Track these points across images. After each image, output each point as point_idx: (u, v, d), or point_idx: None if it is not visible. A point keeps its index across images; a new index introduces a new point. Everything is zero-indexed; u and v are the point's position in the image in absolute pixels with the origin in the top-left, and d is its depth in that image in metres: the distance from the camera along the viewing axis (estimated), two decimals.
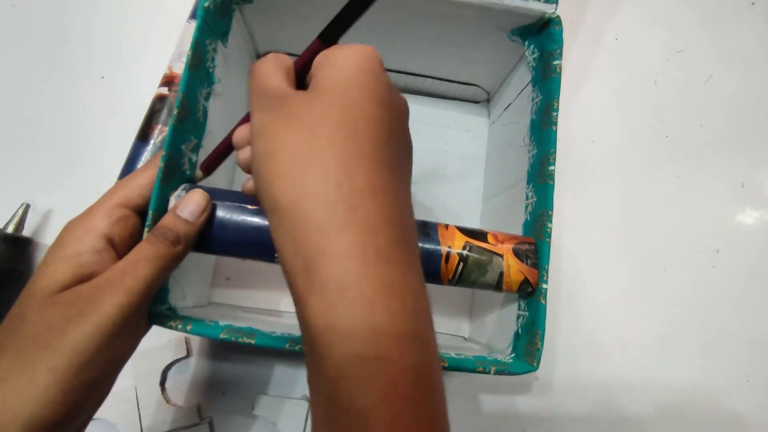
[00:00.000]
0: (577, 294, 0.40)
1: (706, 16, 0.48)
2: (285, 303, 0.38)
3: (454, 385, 0.38)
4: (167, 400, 0.36)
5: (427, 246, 0.27)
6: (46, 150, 0.40)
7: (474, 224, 0.41)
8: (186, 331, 0.26)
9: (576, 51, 0.46)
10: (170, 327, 0.26)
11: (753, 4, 0.49)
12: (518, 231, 0.32)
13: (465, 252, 0.27)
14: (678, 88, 0.46)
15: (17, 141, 0.40)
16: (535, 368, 0.27)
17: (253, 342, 0.25)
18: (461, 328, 0.39)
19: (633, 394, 0.39)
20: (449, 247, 0.27)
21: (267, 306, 0.38)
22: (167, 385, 0.36)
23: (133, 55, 0.42)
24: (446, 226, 0.28)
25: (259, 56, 0.40)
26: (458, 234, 0.28)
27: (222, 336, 0.26)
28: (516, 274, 0.27)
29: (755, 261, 0.42)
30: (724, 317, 0.41)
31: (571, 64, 0.46)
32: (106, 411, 0.35)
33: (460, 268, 0.27)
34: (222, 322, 0.27)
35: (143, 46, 0.42)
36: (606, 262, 0.41)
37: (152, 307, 0.26)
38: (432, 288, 0.38)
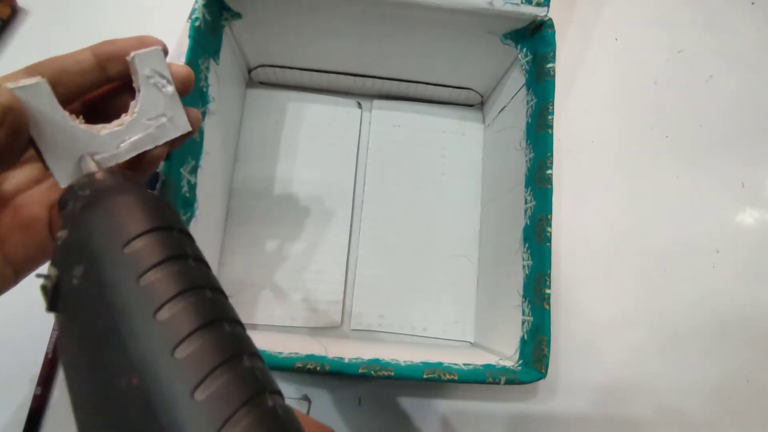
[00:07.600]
0: (578, 295, 0.40)
1: (706, 16, 0.48)
2: (290, 318, 0.37)
3: (456, 385, 0.38)
4: None
5: None
6: None
7: (473, 228, 0.40)
8: None
9: (576, 51, 0.46)
10: None
11: (753, 4, 0.49)
12: (518, 234, 0.31)
13: None
14: (678, 88, 0.46)
15: None
16: (544, 375, 0.26)
17: None
18: (466, 333, 0.39)
19: (633, 394, 0.39)
20: None
21: (271, 322, 0.37)
22: None
23: None
24: None
25: (250, 71, 0.39)
26: None
27: None
28: None
29: (755, 261, 0.42)
30: (724, 317, 0.41)
31: (570, 64, 0.45)
32: None
33: None
34: None
35: None
36: (606, 262, 0.41)
37: None
38: (437, 293, 0.38)
